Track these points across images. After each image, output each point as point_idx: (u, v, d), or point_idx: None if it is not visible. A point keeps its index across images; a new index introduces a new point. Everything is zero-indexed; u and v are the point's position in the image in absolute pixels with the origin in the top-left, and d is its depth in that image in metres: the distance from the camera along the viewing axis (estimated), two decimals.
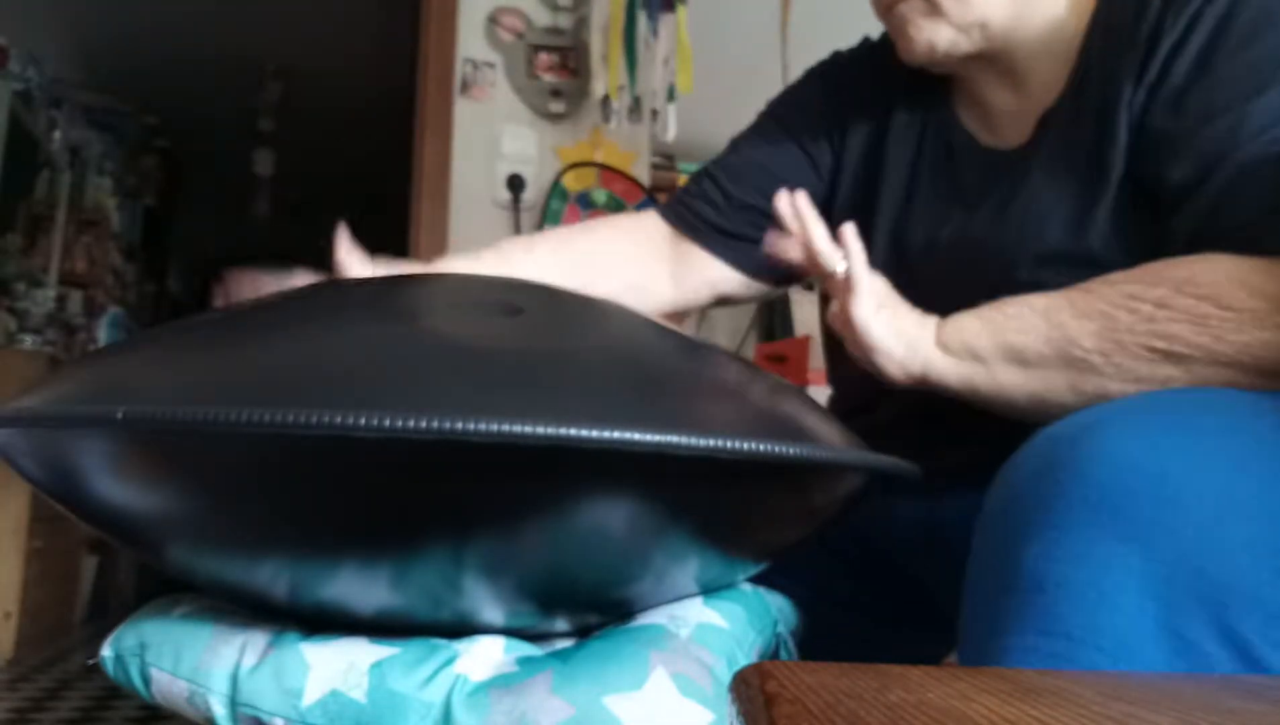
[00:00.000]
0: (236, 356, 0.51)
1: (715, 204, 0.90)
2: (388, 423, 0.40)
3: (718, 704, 0.51)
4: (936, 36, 0.75)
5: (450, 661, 0.52)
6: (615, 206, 2.42)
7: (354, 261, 0.77)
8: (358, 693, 0.51)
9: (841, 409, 0.87)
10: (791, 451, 0.47)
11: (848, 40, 0.93)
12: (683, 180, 2.43)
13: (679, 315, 0.94)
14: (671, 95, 2.25)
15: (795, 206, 0.67)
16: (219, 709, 0.54)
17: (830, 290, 0.68)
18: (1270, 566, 0.44)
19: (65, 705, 2.50)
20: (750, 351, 2.48)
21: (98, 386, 0.50)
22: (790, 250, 0.69)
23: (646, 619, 0.57)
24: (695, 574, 0.57)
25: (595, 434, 0.41)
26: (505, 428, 0.40)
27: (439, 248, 2.27)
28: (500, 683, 0.51)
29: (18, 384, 1.89)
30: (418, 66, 2.43)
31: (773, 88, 1.01)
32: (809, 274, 0.70)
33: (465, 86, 2.39)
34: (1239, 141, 0.62)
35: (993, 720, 0.25)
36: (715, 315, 2.60)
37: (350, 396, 0.43)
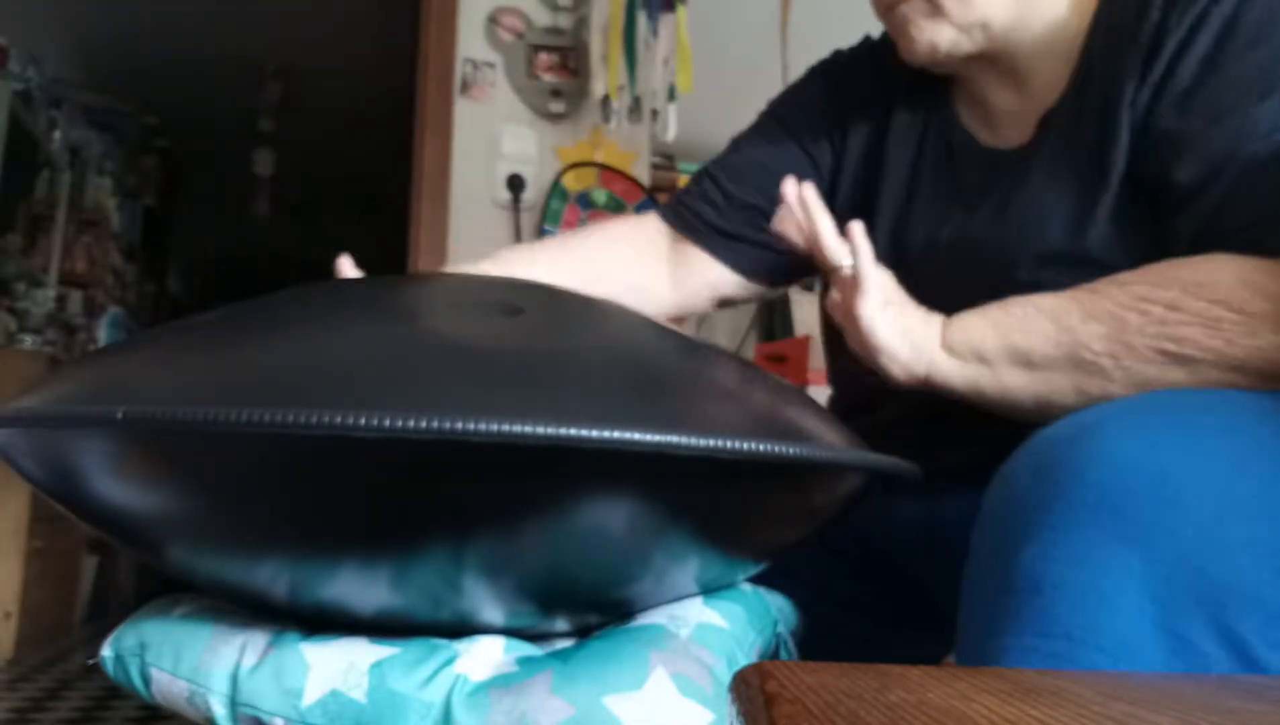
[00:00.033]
0: (236, 356, 0.51)
1: (715, 204, 0.90)
2: (388, 423, 0.40)
3: (718, 704, 0.51)
4: (938, 37, 0.74)
5: (450, 661, 0.52)
6: (615, 207, 2.42)
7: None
8: (358, 693, 0.51)
9: (842, 407, 0.87)
10: (791, 451, 0.47)
11: (848, 40, 0.93)
12: (683, 180, 2.44)
13: (679, 317, 0.94)
14: (671, 95, 2.25)
15: (802, 197, 0.67)
16: (219, 709, 0.54)
17: (835, 285, 0.68)
18: (1270, 567, 0.44)
19: (65, 705, 2.50)
20: (750, 351, 2.48)
21: (98, 386, 0.50)
22: (794, 232, 0.69)
23: (646, 619, 0.57)
24: (695, 574, 0.57)
25: (595, 434, 0.41)
26: (505, 428, 0.40)
27: (439, 248, 2.27)
28: (500, 683, 0.51)
29: (18, 384, 1.89)
30: (418, 66, 2.43)
31: (773, 88, 1.01)
32: (811, 272, 0.70)
33: (465, 86, 2.39)
34: (1246, 143, 0.62)
35: (993, 720, 0.25)
36: (715, 315, 2.59)
37: (350, 396, 0.43)
